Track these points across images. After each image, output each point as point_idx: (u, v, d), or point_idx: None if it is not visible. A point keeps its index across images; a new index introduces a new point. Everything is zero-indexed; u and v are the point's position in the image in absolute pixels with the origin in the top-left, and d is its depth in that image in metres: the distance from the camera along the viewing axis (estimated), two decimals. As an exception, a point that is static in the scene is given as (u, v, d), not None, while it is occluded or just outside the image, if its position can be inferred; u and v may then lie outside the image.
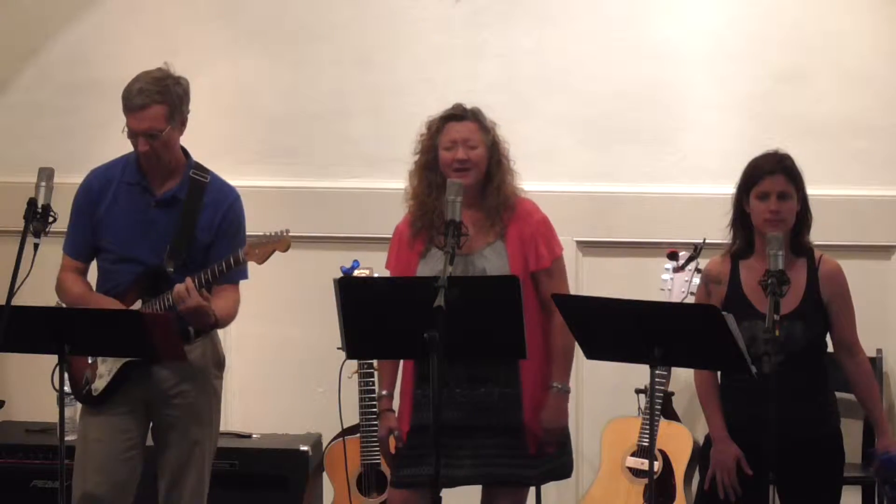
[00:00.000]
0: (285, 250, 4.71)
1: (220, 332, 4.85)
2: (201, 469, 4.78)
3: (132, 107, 4.62)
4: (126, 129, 4.66)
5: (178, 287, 4.57)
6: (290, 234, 4.71)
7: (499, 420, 4.62)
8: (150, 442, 4.83)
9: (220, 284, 4.69)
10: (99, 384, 4.69)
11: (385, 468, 5.55)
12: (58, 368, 4.49)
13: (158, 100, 4.63)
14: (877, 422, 4.65)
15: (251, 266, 4.74)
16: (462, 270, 4.53)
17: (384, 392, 4.80)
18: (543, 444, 4.65)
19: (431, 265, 4.63)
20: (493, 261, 4.62)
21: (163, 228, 4.71)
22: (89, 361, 4.71)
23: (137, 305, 4.67)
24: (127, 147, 4.76)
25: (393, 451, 4.79)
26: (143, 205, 4.73)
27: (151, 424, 4.79)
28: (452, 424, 4.56)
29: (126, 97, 4.65)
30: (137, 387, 4.70)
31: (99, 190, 4.78)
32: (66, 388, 4.65)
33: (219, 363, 4.84)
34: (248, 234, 4.81)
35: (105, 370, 4.69)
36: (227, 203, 4.78)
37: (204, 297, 4.59)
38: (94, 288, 4.82)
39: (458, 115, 4.70)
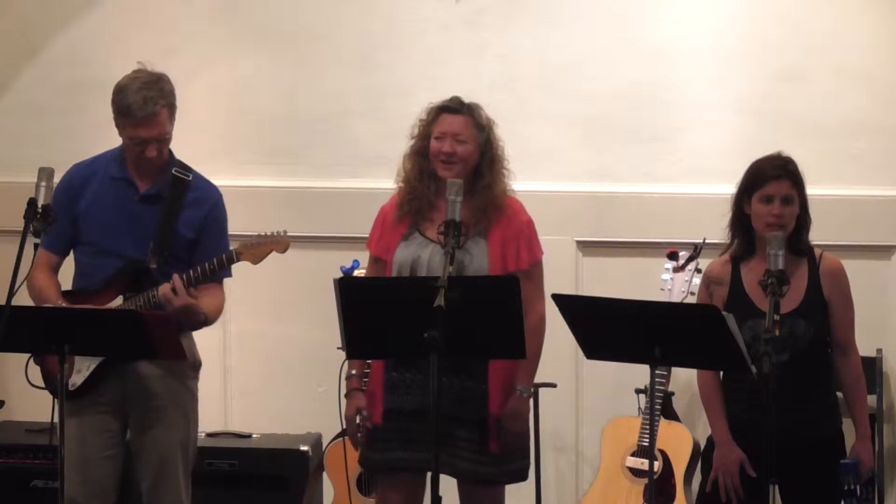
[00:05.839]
0: (283, 251, 4.70)
1: (220, 331, 4.85)
2: (180, 470, 4.74)
3: (142, 117, 4.56)
4: (130, 138, 4.61)
5: (164, 287, 4.55)
6: (290, 234, 4.70)
7: (467, 413, 4.59)
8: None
9: (207, 283, 4.66)
10: (77, 379, 4.65)
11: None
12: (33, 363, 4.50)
13: (163, 103, 4.61)
14: (858, 425, 4.61)
15: (248, 266, 4.73)
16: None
17: (353, 371, 4.76)
18: (503, 444, 4.60)
19: (412, 249, 4.62)
20: (474, 257, 4.59)
21: (145, 223, 4.68)
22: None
23: (119, 301, 4.66)
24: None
25: (360, 432, 4.72)
26: (127, 199, 4.71)
27: (129, 425, 4.75)
28: (428, 411, 4.53)
29: (129, 107, 4.57)
30: (115, 384, 4.67)
31: (80, 185, 4.76)
32: (41, 383, 4.69)
33: (194, 365, 4.80)
34: (245, 234, 4.80)
35: (84, 365, 4.64)
36: (210, 202, 4.76)
37: (191, 295, 4.58)
38: (71, 284, 4.78)
39: (453, 107, 4.67)
